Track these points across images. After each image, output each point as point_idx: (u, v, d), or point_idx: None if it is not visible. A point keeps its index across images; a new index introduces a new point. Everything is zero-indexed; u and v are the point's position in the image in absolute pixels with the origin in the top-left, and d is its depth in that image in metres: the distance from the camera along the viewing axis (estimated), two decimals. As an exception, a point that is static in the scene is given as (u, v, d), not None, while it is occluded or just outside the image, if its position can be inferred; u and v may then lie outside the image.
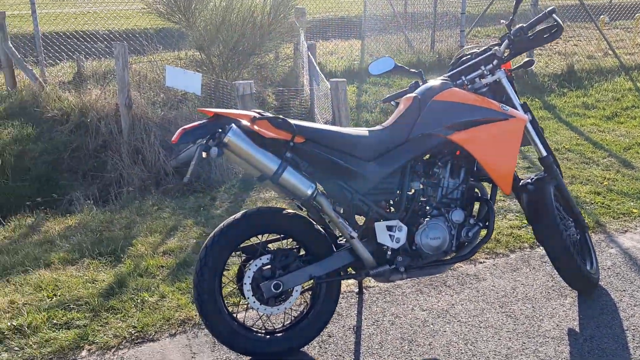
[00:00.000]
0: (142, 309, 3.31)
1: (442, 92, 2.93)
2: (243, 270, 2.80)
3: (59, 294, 3.52)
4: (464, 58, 3.22)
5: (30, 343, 2.99)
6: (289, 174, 2.64)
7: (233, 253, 2.76)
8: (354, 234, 2.72)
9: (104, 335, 3.06)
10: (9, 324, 3.14)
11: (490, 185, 3.02)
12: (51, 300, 3.46)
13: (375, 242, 2.81)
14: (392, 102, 3.26)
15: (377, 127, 2.95)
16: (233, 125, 2.60)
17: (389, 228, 2.80)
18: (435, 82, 3.02)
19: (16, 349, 2.96)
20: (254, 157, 2.61)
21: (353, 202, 2.77)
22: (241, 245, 2.77)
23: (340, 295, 3.17)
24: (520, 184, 3.21)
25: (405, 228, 2.81)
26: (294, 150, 2.67)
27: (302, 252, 2.86)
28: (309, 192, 2.66)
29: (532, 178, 3.22)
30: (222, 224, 2.74)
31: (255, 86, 8.42)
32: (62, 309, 3.32)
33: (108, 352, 2.94)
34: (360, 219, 2.89)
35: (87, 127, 7.01)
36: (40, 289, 3.61)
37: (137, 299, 3.40)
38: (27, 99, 7.74)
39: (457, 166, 2.96)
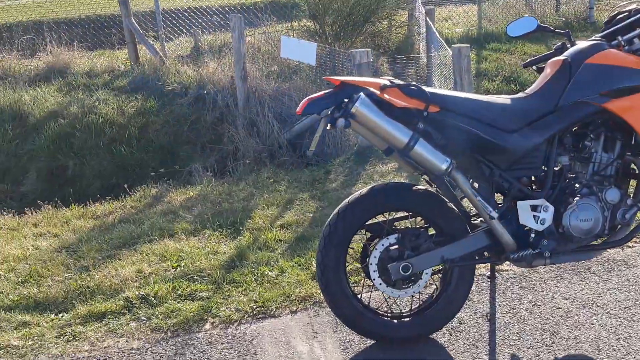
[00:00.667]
0: (262, 283, 3.26)
1: (596, 54, 2.56)
2: (368, 249, 2.63)
3: (182, 264, 3.56)
4: (621, 15, 2.79)
5: (157, 313, 3.03)
6: (422, 146, 2.42)
7: (358, 231, 2.60)
8: (494, 214, 2.46)
9: (227, 308, 3.04)
10: (137, 293, 3.21)
11: (652, 162, 2.63)
12: (175, 270, 3.50)
13: (516, 224, 2.53)
14: (534, 67, 2.92)
15: (521, 94, 2.64)
16: (361, 94, 2.40)
17: (534, 208, 2.50)
18: (586, 43, 2.65)
19: (143, 318, 3.01)
20: (384, 129, 2.41)
21: (493, 178, 2.50)
22: (367, 223, 2.60)
23: (471, 279, 2.93)
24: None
25: (551, 208, 2.50)
26: (427, 120, 2.44)
27: (432, 232, 2.64)
28: (444, 166, 2.43)
29: None
30: (347, 199, 2.58)
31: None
32: (186, 280, 3.34)
33: (231, 326, 2.91)
34: (499, 197, 2.62)
35: (205, 100, 7.14)
36: (165, 259, 3.67)
37: (258, 273, 3.35)
38: (149, 73, 8.02)
39: (612, 139, 2.59)
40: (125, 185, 5.49)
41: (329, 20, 8.03)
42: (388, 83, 2.46)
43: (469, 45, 5.45)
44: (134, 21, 8.64)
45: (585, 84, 2.52)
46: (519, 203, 2.51)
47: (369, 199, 2.54)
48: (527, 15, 3.09)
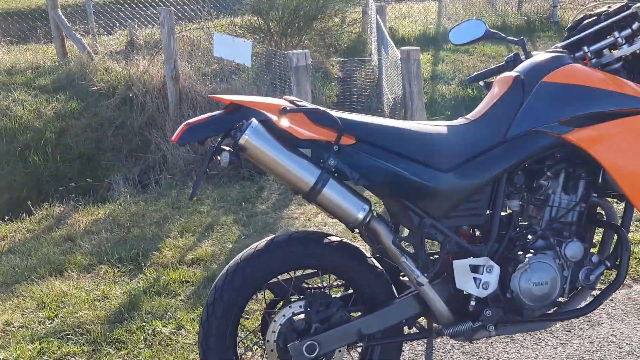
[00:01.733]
0: (151, 344, 2.63)
1: (556, 70, 2.02)
2: (267, 318, 2.04)
3: (61, 314, 2.91)
4: (587, 21, 2.25)
5: (10, 388, 2.39)
6: (332, 189, 1.85)
7: (255, 295, 2.01)
8: (424, 280, 1.90)
9: (100, 381, 2.41)
10: (-9, 358, 2.56)
11: (623, 205, 2.10)
12: (51, 323, 2.86)
13: (454, 288, 1.97)
14: (481, 83, 2.37)
15: (461, 121, 2.08)
16: (253, 120, 1.82)
17: (474, 268, 1.95)
18: (544, 55, 2.10)
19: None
20: (282, 166, 1.83)
21: (423, 230, 1.94)
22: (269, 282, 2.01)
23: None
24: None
25: (496, 268, 1.95)
26: (339, 155, 1.87)
27: (350, 291, 2.07)
28: (360, 215, 1.87)
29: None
30: (238, 257, 1.98)
31: (318, 55, 7.60)
32: (58, 339, 2.69)
33: (101, 407, 2.29)
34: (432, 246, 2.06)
35: (133, 102, 6.43)
36: (43, 305, 3.02)
37: (149, 330, 2.72)
38: (75, 71, 7.25)
39: (575, 177, 2.05)
40: (29, 203, 4.79)
41: (275, 15, 7.40)
42: (290, 106, 1.87)
43: (418, 48, 4.90)
44: (60, 13, 7.85)
45: (541, 108, 1.98)
46: (455, 262, 1.95)
47: (267, 257, 1.94)
48: (474, 18, 2.55)
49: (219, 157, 1.84)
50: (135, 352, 2.58)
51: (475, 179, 1.94)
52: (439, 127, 2.01)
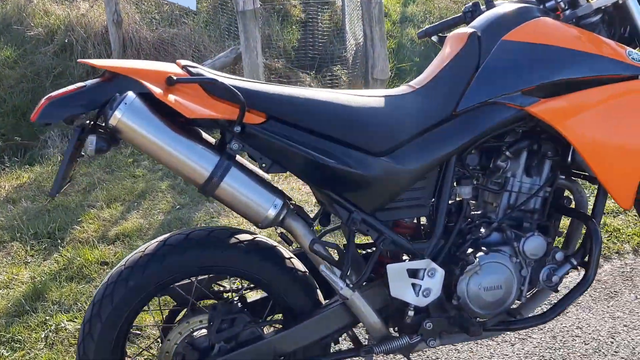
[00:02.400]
0: (52, 344, 2.28)
1: (520, 25, 1.62)
2: (164, 333, 1.68)
3: (-44, 305, 2.53)
4: (561, -40, 1.83)
5: None
6: (234, 181, 1.47)
7: (145, 306, 1.64)
8: (348, 292, 1.54)
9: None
10: None
11: (596, 190, 1.74)
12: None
13: (388, 295, 1.62)
14: (434, 38, 1.96)
15: (403, 89, 1.68)
16: (129, 94, 1.41)
17: (413, 273, 1.60)
18: (508, 6, 1.69)
19: None
20: (167, 152, 1.44)
21: (352, 226, 1.57)
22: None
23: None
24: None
25: (440, 272, 1.60)
26: (245, 137, 1.48)
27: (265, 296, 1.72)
28: (270, 212, 1.50)
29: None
30: (123, 262, 1.59)
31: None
32: (-55, 338, 2.33)
33: None
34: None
35: (73, 49, 5.87)
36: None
37: (51, 325, 2.36)
38: (12, 14, 6.60)
39: (539, 156, 1.68)
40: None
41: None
42: (180, 74, 1.46)
43: (379, -11, 4.41)
44: (-7, -53, 7.09)
45: (500, 74, 1.59)
46: (389, 267, 1.58)
47: (156, 264, 1.55)
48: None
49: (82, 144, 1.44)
50: (32, 355, 2.22)
51: (417, 163, 1.56)
52: (374, 98, 1.61)
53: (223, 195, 1.48)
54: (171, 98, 1.41)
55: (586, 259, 1.71)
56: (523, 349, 2.13)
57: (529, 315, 1.73)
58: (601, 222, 2.50)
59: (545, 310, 1.72)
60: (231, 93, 1.42)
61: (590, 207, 1.73)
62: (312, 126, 1.51)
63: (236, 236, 1.61)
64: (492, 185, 1.70)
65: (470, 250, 1.64)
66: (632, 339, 2.14)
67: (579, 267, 1.71)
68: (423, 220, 1.74)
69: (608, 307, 2.33)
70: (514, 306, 1.72)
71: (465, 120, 1.59)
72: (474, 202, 1.76)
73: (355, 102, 1.57)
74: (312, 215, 1.65)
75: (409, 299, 1.59)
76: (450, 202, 1.67)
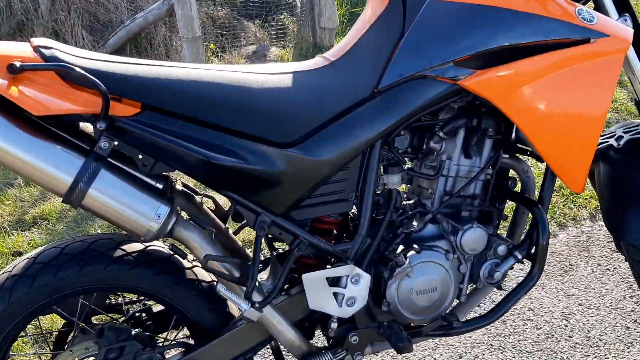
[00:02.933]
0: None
1: (452, -20, 1.35)
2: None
3: None
4: None
5: None
6: (105, 186, 1.21)
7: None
8: (251, 315, 1.30)
9: None
10: None
11: (543, 170, 1.52)
12: None
13: (306, 307, 1.40)
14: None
15: (316, 62, 1.40)
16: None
17: (334, 281, 1.37)
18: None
19: None
20: (17, 158, 1.16)
21: (260, 231, 1.33)
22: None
23: None
24: (599, 146, 1.67)
25: (366, 277, 1.38)
26: (117, 133, 1.20)
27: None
28: (153, 224, 1.25)
29: (620, 136, 1.69)
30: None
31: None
32: None
33: None
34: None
35: (-3, 4, 5.36)
36: None
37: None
38: None
39: (479, 135, 1.45)
40: None
41: None
42: (32, 58, 1.17)
43: None
44: None
45: (428, 42, 1.33)
46: (304, 278, 1.35)
47: (23, 287, 1.30)
48: None
49: None
50: None
51: (333, 153, 1.31)
52: (278, 75, 1.34)
53: (92, 205, 1.21)
54: (14, 91, 1.12)
55: (533, 251, 1.50)
56: (470, 337, 1.96)
57: (469, 318, 1.53)
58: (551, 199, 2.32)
59: (486, 310, 1.52)
60: (89, 82, 1.13)
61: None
62: (199, 115, 1.24)
63: (123, 247, 1.35)
64: (426, 170, 1.47)
65: (400, 248, 1.42)
66: (588, 321, 1.98)
67: (523, 261, 1.50)
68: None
69: (562, 283, 2.17)
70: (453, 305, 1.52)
71: (389, 100, 1.33)
72: (405, 192, 1.53)
73: (254, 82, 1.29)
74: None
75: (331, 310, 1.38)
76: (378, 192, 1.44)
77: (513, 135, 1.48)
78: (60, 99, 1.15)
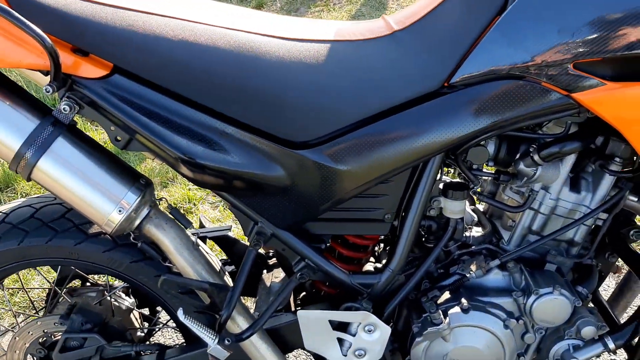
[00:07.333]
0: None
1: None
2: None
3: None
4: None
5: None
6: (60, 160, 0.95)
7: None
8: (218, 353, 1.02)
9: None
10: None
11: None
12: None
13: (299, 343, 1.10)
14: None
15: (371, 27, 1.00)
16: None
17: (340, 327, 1.04)
18: None
19: None
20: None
21: (255, 245, 1.02)
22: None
23: None
24: None
25: (384, 330, 1.04)
26: (83, 96, 0.92)
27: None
28: (114, 215, 0.98)
29: None
30: None
31: None
32: None
33: None
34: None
35: None
36: None
37: None
38: None
39: (596, 166, 0.99)
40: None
41: None
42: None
43: None
44: None
45: (537, 28, 0.87)
46: (299, 314, 1.04)
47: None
48: None
49: None
50: None
51: (361, 164, 0.97)
52: (310, 43, 0.95)
53: (44, 181, 0.96)
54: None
55: (636, 340, 1.06)
56: None
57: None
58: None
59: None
60: (32, 32, 0.83)
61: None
62: (187, 92, 0.92)
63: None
64: (510, 195, 1.05)
65: (443, 298, 1.05)
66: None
67: (616, 352, 1.07)
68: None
69: None
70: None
71: (463, 100, 0.92)
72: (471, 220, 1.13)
73: (271, 52, 0.93)
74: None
75: (332, 357, 1.06)
76: (429, 213, 1.06)
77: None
78: (11, 51, 0.87)
